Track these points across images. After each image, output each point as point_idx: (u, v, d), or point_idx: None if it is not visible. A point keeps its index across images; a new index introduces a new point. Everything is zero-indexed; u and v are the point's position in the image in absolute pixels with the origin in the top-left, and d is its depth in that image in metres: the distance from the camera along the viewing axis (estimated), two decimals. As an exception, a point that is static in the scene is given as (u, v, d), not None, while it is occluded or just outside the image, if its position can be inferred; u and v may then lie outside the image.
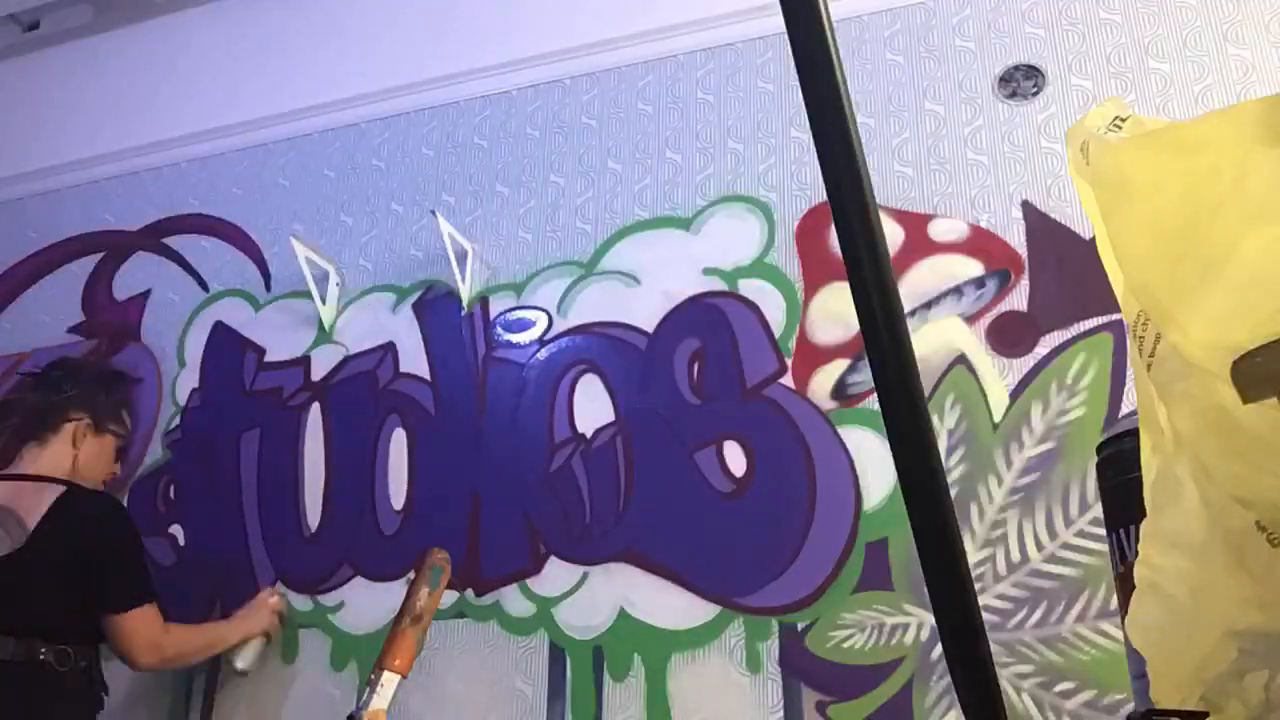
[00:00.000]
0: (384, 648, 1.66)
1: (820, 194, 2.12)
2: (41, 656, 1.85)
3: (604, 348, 2.30)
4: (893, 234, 2.13)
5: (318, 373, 2.54)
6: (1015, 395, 1.97)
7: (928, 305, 2.08)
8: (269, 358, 2.61)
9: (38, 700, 1.85)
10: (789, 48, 0.64)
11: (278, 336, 2.62)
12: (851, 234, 0.64)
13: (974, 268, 2.09)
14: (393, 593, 2.25)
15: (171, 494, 2.56)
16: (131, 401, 2.23)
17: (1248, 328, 0.56)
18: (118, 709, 2.38)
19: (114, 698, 2.38)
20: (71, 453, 2.08)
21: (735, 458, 2.11)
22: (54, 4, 3.23)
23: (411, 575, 1.88)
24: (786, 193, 2.29)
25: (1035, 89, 2.18)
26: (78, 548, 1.92)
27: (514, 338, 2.39)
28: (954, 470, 1.95)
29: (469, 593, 2.20)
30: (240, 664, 2.16)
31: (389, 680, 1.58)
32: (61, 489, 1.97)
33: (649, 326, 2.28)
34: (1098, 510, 1.83)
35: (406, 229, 2.62)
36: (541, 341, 2.36)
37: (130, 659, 1.98)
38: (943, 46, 2.29)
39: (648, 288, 2.32)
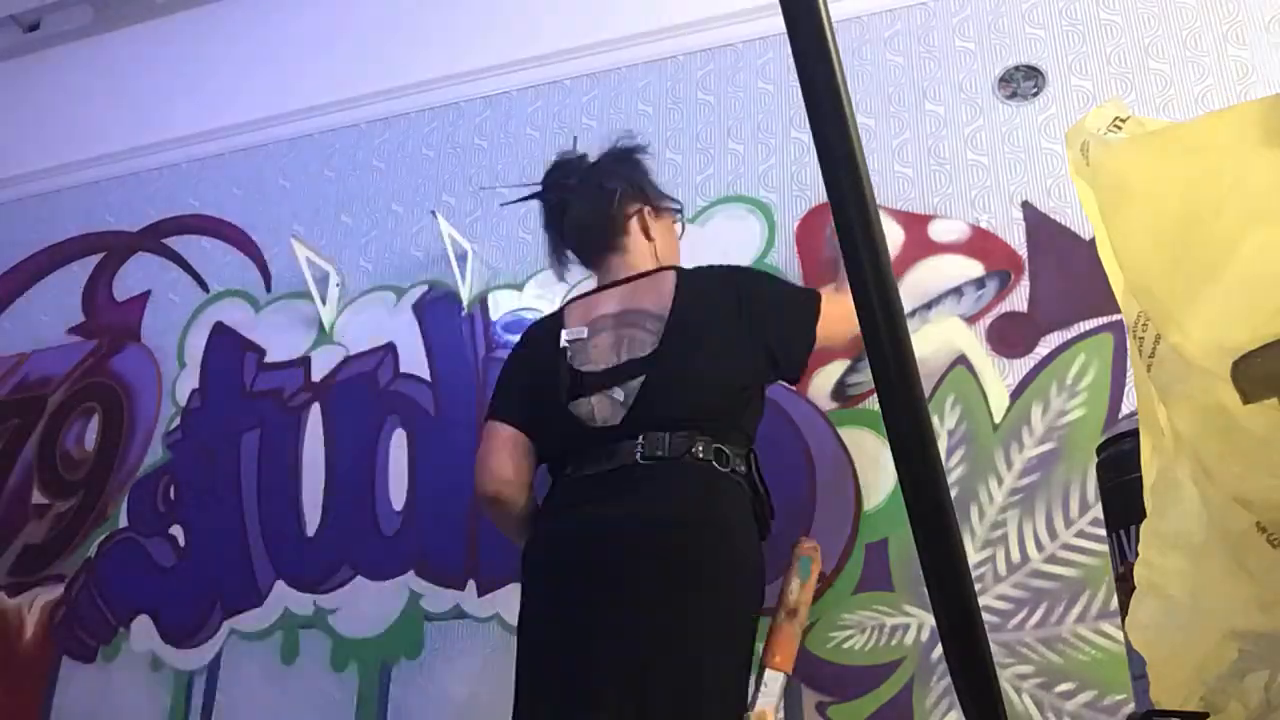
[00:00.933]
0: (765, 646, 1.60)
1: (821, 194, 2.12)
2: (700, 454, 1.61)
3: (604, 348, 2.30)
4: (893, 235, 2.13)
5: (318, 373, 2.54)
6: (1015, 396, 1.97)
7: (928, 306, 2.08)
8: (269, 358, 2.61)
9: (705, 506, 1.61)
10: (789, 48, 0.64)
11: (278, 337, 2.62)
12: (852, 235, 0.64)
13: (974, 268, 2.09)
14: (394, 594, 2.25)
15: (172, 494, 2.56)
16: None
17: (1248, 328, 0.56)
18: (117, 710, 2.38)
19: (112, 700, 2.39)
20: (650, 245, 1.88)
21: (735, 458, 2.11)
22: (54, 5, 3.23)
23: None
24: (787, 193, 2.29)
25: (1035, 89, 2.18)
26: (725, 313, 1.73)
27: (514, 338, 2.39)
28: (954, 471, 1.95)
29: (469, 593, 2.20)
30: None
31: (772, 678, 1.52)
32: (671, 274, 1.79)
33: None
34: (1098, 511, 1.83)
35: (407, 229, 2.62)
36: (542, 342, 2.35)
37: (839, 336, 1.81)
38: (943, 47, 2.29)
39: (648, 288, 2.31)
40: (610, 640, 1.50)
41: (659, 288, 1.77)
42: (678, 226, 1.99)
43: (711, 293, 1.77)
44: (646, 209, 1.90)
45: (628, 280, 1.81)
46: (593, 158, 1.97)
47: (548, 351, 1.78)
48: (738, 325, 1.72)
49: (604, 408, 1.68)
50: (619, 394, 1.67)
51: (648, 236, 1.89)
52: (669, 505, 1.59)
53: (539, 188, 2.00)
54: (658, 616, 1.50)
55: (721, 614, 1.54)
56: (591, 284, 1.96)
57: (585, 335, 1.75)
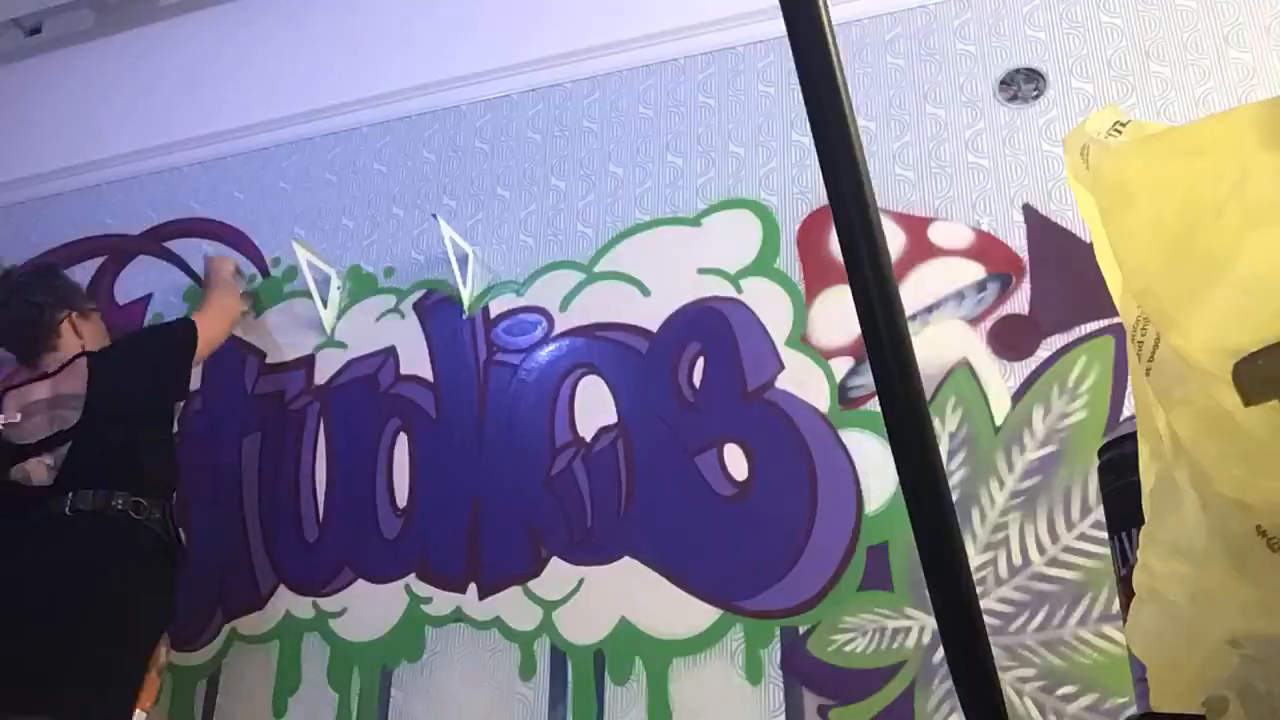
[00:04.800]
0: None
1: (821, 197, 2.13)
2: (119, 507, 2.02)
3: (605, 351, 2.30)
4: (894, 237, 2.13)
5: (320, 376, 2.54)
6: (1017, 398, 1.97)
7: (929, 309, 2.08)
8: (270, 361, 2.62)
9: (116, 550, 2.00)
10: (790, 51, 0.64)
11: (279, 340, 2.62)
12: (852, 237, 0.64)
13: (975, 271, 2.09)
14: (394, 597, 2.25)
15: (173, 497, 2.56)
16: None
17: (1249, 330, 0.56)
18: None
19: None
20: (79, 342, 2.27)
21: (736, 461, 2.11)
22: (56, 8, 3.23)
23: None
24: (787, 196, 2.29)
25: (1036, 92, 2.18)
26: (126, 365, 2.22)
27: (515, 341, 2.39)
28: (955, 473, 1.95)
29: (470, 596, 2.20)
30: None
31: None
32: (84, 360, 2.20)
33: (650, 329, 2.28)
34: (1099, 513, 1.83)
35: (408, 232, 2.62)
36: (542, 344, 2.36)
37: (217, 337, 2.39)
38: (944, 50, 2.29)
39: (649, 291, 2.32)
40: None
41: (77, 373, 2.18)
42: (101, 322, 2.42)
43: (113, 363, 2.22)
44: (73, 314, 2.31)
45: (57, 371, 2.20)
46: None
47: None
48: (131, 380, 2.21)
49: (39, 472, 2.06)
50: (49, 460, 2.07)
51: (78, 335, 2.30)
52: (87, 549, 1.99)
53: None
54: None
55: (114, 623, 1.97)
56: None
57: (18, 419, 2.13)
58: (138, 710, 1.96)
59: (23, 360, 2.27)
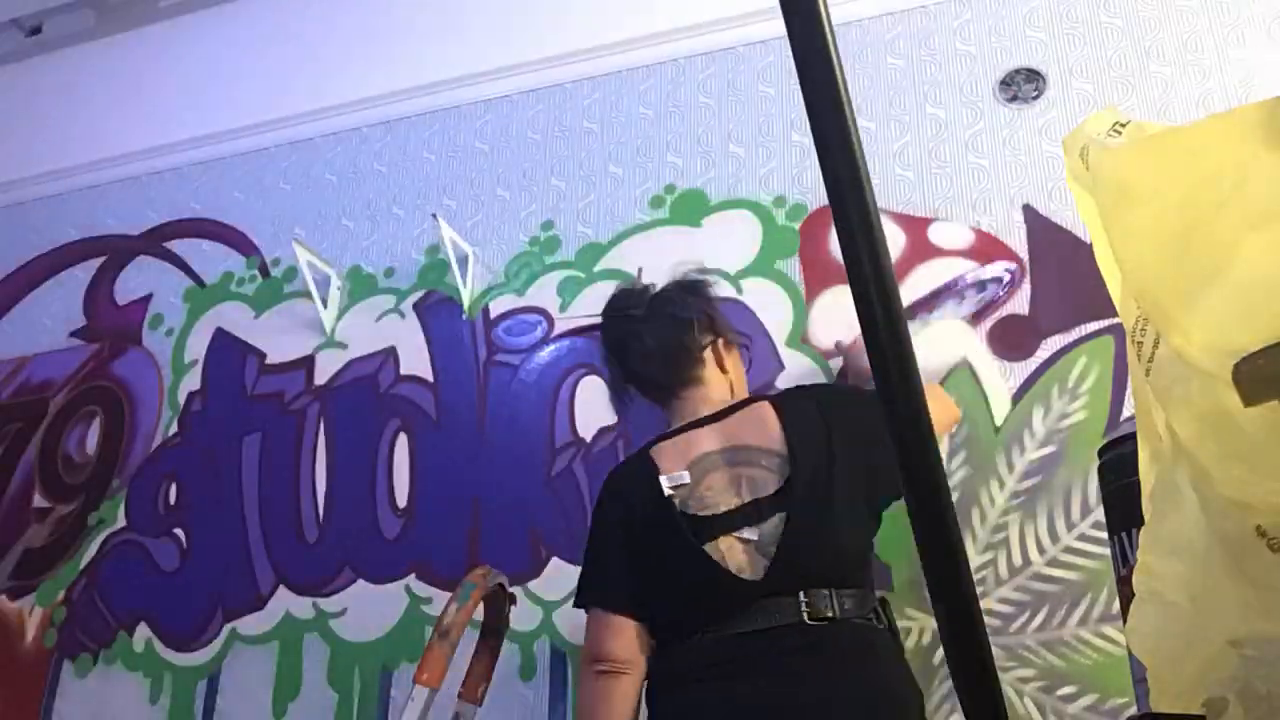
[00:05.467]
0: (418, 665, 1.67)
1: (821, 197, 2.12)
2: (870, 617, 1.50)
3: (605, 351, 2.30)
4: (894, 238, 2.13)
5: (320, 377, 2.54)
6: (1017, 398, 1.97)
7: (929, 309, 2.08)
8: (270, 361, 2.62)
9: (900, 676, 1.51)
10: (790, 51, 0.64)
11: (279, 340, 2.62)
12: (852, 237, 0.64)
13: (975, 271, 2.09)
14: (395, 597, 2.25)
15: (173, 498, 2.56)
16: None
17: (1250, 330, 0.56)
18: (116, 714, 2.38)
19: (112, 703, 2.38)
20: (725, 379, 1.75)
21: (736, 461, 2.10)
22: (56, 9, 3.23)
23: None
24: (788, 196, 2.29)
25: (1036, 92, 2.18)
26: (842, 447, 1.56)
27: (515, 341, 2.39)
28: (955, 474, 1.95)
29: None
30: None
31: (418, 694, 1.60)
32: (768, 405, 1.63)
33: (650, 330, 2.28)
34: (1099, 514, 1.83)
35: (408, 233, 2.62)
36: (542, 345, 2.36)
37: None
38: (944, 50, 2.29)
39: (649, 291, 2.32)
40: None
41: (762, 420, 1.61)
42: (744, 358, 1.84)
43: (814, 421, 1.60)
44: (720, 340, 1.78)
45: (721, 415, 1.65)
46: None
47: (647, 502, 1.59)
48: (847, 455, 1.57)
49: (736, 555, 1.51)
50: (750, 534, 1.51)
51: (722, 369, 1.76)
52: (866, 680, 1.45)
53: (599, 319, 1.88)
54: None
55: None
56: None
57: (688, 479, 1.58)
58: (418, 688, 1.59)
59: (656, 396, 1.77)
